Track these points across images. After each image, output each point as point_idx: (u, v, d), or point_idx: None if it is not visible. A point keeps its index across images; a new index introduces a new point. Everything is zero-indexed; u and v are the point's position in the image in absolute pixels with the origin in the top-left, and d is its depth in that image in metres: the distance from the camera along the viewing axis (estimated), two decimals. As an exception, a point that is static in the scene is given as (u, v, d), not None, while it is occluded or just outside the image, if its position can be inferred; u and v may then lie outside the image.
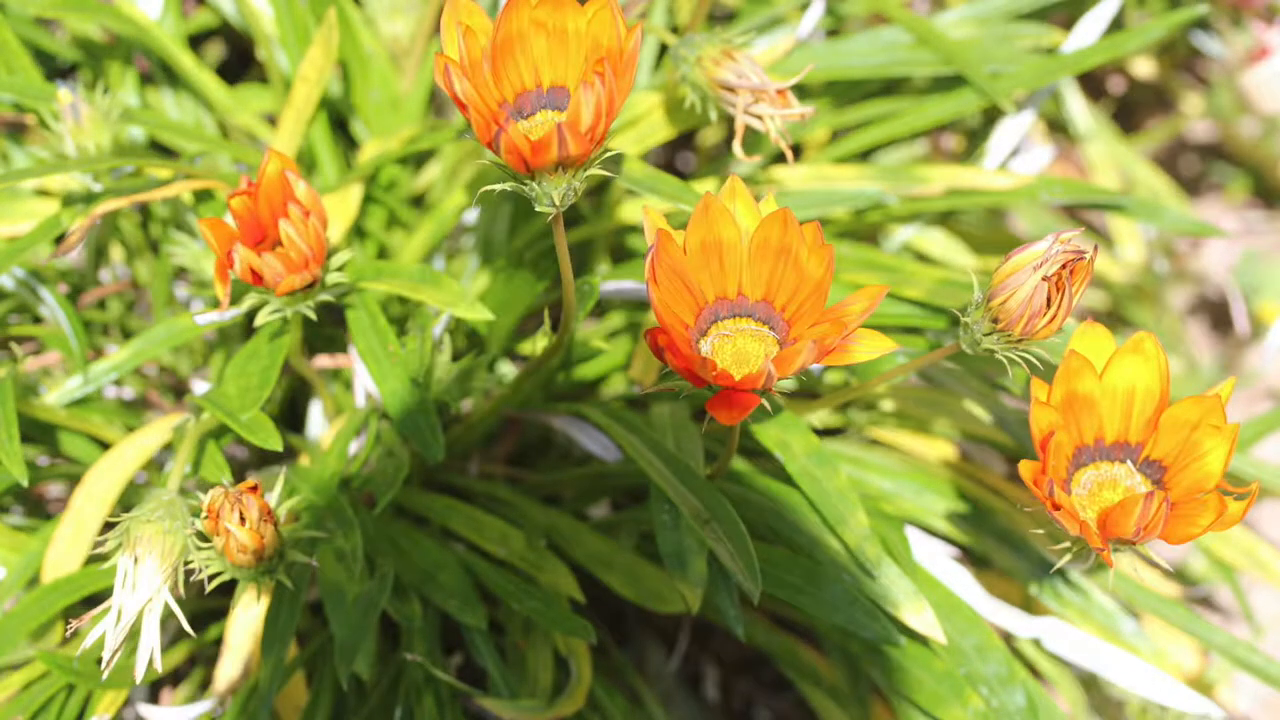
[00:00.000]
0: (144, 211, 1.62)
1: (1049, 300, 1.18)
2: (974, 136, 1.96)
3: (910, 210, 1.65)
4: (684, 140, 2.00)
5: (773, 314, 1.16)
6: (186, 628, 1.22)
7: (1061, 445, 1.20)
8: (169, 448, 1.44)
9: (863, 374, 1.51)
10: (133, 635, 1.23)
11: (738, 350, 1.16)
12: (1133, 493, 1.22)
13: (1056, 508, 1.16)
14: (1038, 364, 1.22)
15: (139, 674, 1.19)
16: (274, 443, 1.29)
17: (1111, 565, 1.16)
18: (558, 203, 1.14)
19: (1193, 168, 2.38)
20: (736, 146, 1.37)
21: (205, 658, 1.56)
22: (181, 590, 1.22)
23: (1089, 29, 1.71)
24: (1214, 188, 2.37)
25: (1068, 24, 1.80)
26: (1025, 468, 1.17)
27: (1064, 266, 1.17)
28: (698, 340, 1.15)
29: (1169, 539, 1.16)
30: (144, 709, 1.42)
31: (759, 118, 1.35)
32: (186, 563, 1.22)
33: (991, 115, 1.87)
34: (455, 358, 1.47)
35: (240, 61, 1.96)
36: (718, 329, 1.16)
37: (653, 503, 1.34)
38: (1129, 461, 1.23)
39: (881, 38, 1.68)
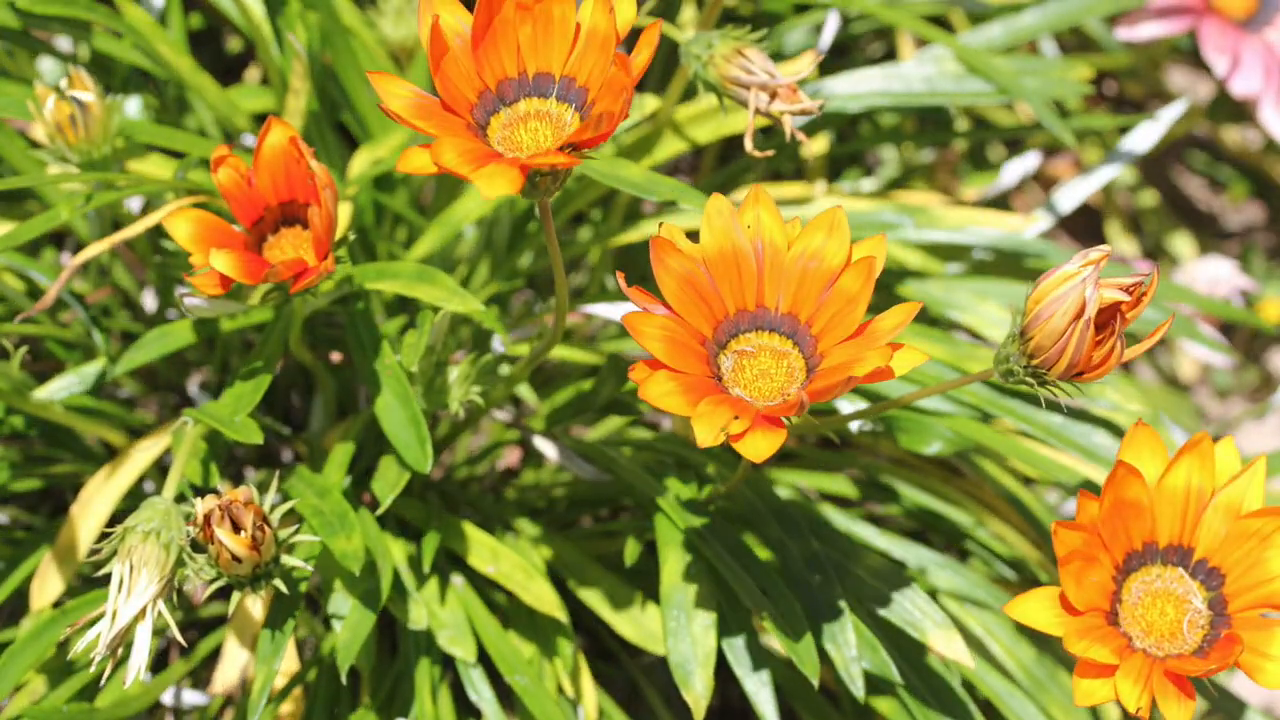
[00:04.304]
0: (145, 209, 1.59)
1: (1107, 334, 1.10)
2: (974, 154, 1.96)
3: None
4: (684, 161, 1.98)
5: (798, 328, 1.13)
6: (179, 638, 1.20)
7: (1099, 562, 1.15)
8: (170, 449, 1.42)
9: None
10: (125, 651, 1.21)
11: (760, 370, 1.13)
12: (1186, 602, 1.18)
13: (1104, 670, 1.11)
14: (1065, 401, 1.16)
15: (128, 682, 1.17)
16: (255, 437, 1.26)
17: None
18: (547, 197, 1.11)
19: (1189, 168, 2.37)
20: (748, 144, 1.34)
21: (204, 665, 1.54)
22: (176, 600, 1.20)
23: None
24: (1212, 187, 2.36)
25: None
26: (1060, 620, 1.13)
27: (1128, 305, 1.09)
28: (716, 355, 1.13)
29: (1257, 680, 1.11)
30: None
31: (776, 116, 1.32)
32: (181, 572, 1.20)
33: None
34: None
35: (242, 62, 1.95)
36: (737, 343, 1.14)
37: (663, 599, 1.33)
38: (1181, 568, 1.18)
39: (922, 69, 1.62)
